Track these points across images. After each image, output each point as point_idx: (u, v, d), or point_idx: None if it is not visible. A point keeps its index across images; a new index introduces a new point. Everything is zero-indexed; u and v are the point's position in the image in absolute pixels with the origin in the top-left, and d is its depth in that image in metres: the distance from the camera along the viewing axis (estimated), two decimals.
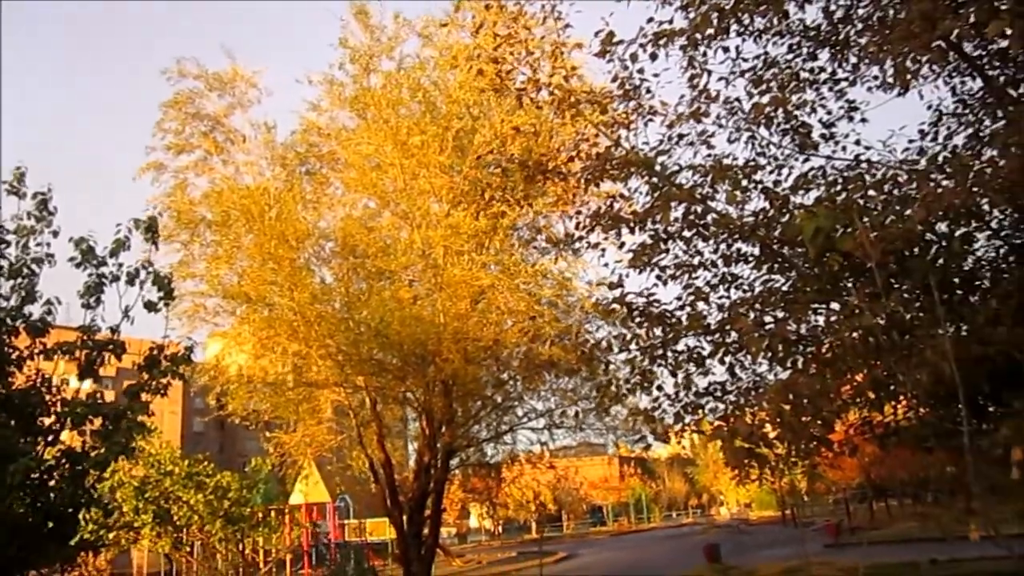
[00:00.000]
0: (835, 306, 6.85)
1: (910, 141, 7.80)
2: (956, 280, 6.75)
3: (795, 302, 7.01)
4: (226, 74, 14.22)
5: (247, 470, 23.50)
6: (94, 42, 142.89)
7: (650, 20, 7.36)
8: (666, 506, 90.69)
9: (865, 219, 5.83)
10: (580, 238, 8.55)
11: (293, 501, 27.02)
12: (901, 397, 6.96)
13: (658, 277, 7.73)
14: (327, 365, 13.85)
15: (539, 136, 9.97)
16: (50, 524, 7.87)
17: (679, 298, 7.53)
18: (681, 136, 7.81)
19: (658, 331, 7.36)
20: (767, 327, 6.75)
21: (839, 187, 7.05)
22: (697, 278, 7.78)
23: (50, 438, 7.80)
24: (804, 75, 8.11)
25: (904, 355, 5.79)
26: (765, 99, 7.63)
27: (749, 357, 7.26)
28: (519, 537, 67.66)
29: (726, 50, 7.82)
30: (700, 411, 7.66)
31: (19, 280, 8.04)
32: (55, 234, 8.29)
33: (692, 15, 7.31)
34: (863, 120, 8.22)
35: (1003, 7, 5.51)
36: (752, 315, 6.98)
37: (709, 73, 7.68)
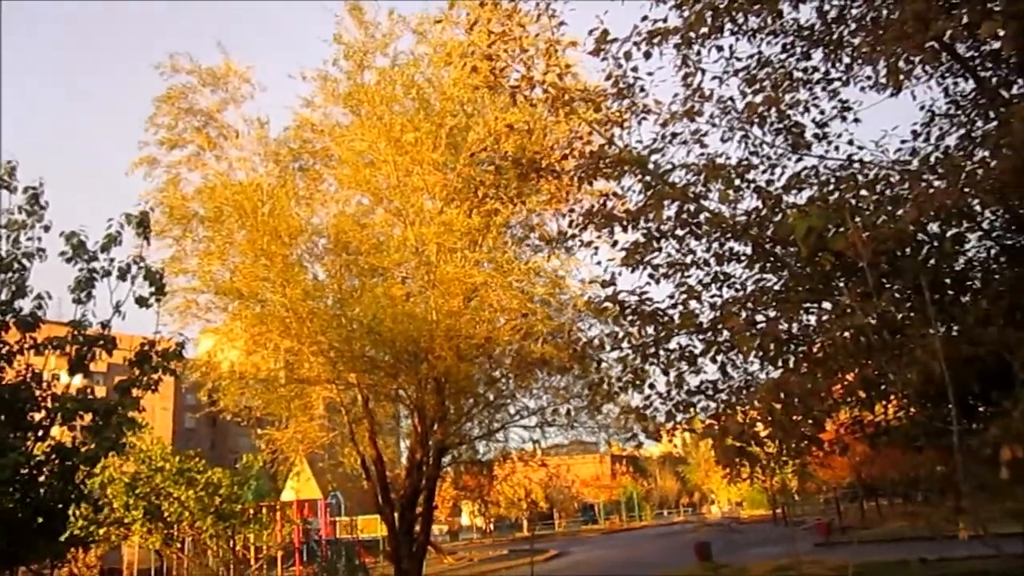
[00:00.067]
0: (827, 305, 6.87)
1: (902, 141, 7.85)
2: (947, 280, 6.78)
3: (787, 301, 7.02)
4: (219, 69, 14.17)
5: (238, 467, 23.47)
6: (94, 42, 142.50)
7: (644, 18, 7.37)
8: (657, 504, 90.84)
9: (857, 219, 5.85)
10: (573, 236, 8.56)
11: (284, 498, 27.02)
12: (892, 396, 7.00)
13: (651, 275, 7.74)
14: (319, 362, 13.82)
15: (533, 134, 9.97)
16: (40, 520, 7.84)
17: (671, 296, 7.54)
18: (674, 135, 7.83)
19: (650, 329, 7.37)
20: (759, 326, 6.76)
21: (831, 187, 7.07)
22: (689, 277, 7.80)
23: (40, 433, 7.78)
24: (797, 75, 8.14)
25: (895, 355, 5.81)
26: (758, 98, 7.65)
27: (741, 356, 7.28)
28: (511, 535, 67.67)
29: (720, 49, 7.83)
30: (692, 409, 7.68)
31: (9, 274, 8.02)
32: (46, 229, 8.27)
33: (686, 14, 7.33)
34: (856, 120, 8.26)
35: (996, 8, 5.53)
36: (744, 314, 7.00)
37: (703, 72, 7.69)
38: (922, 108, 8.19)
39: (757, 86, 7.90)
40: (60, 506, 8.04)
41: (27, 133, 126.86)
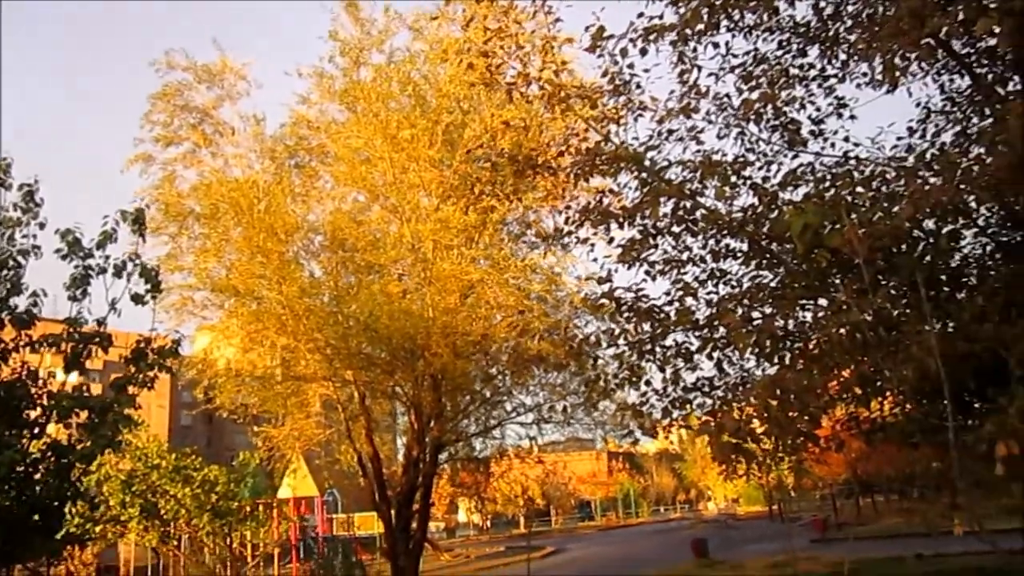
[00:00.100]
0: (823, 302, 6.88)
1: (898, 138, 7.85)
2: (943, 277, 6.79)
3: (783, 298, 7.03)
4: (215, 66, 14.14)
5: (235, 464, 23.50)
6: (94, 42, 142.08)
7: (640, 15, 7.35)
8: (654, 501, 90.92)
9: (853, 215, 5.85)
10: (569, 233, 8.56)
11: (281, 495, 27.00)
12: (887, 393, 7.01)
13: (647, 272, 7.75)
14: (316, 359, 13.82)
15: (529, 131, 9.96)
16: (36, 517, 7.85)
17: (667, 293, 7.55)
18: (671, 132, 7.83)
19: (646, 326, 7.38)
20: (755, 322, 6.77)
21: (827, 183, 7.08)
22: (686, 273, 7.81)
23: (36, 431, 7.77)
24: (794, 71, 8.14)
25: (891, 351, 5.83)
26: (755, 95, 7.64)
27: (737, 352, 7.30)
28: (507, 532, 67.70)
29: (716, 46, 7.83)
30: (688, 406, 7.69)
31: (4, 272, 7.99)
32: (42, 226, 8.25)
33: (682, 11, 7.32)
34: (852, 117, 8.26)
35: (991, 5, 5.54)
36: (740, 311, 7.01)
37: (699, 69, 7.69)
38: (918, 105, 8.21)
39: (753, 83, 7.90)
40: (56, 504, 8.04)
41: (27, 133, 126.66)
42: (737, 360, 7.68)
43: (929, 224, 6.52)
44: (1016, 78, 6.97)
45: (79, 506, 11.78)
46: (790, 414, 6.11)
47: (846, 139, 7.93)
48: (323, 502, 34.14)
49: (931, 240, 6.51)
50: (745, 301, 7.23)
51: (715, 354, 7.39)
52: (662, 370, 7.53)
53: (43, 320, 8.10)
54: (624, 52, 7.41)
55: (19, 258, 8.05)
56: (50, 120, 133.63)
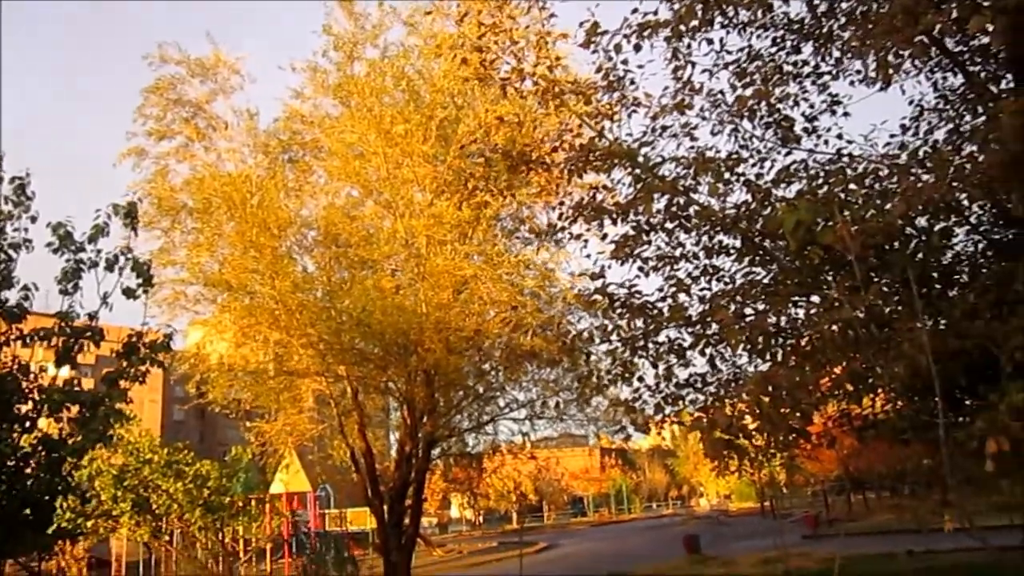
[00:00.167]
0: (815, 299, 6.91)
1: (891, 136, 7.88)
2: (935, 274, 6.81)
3: (775, 294, 7.05)
4: (208, 60, 14.06)
5: (227, 459, 23.44)
6: (94, 42, 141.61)
7: (635, 11, 7.36)
8: (646, 497, 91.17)
9: (846, 213, 5.87)
10: (563, 229, 8.56)
11: (273, 490, 26.97)
12: (879, 390, 7.03)
13: (640, 268, 7.76)
14: (308, 354, 13.79)
15: (523, 126, 9.93)
16: (27, 512, 7.82)
17: (661, 289, 7.56)
18: (664, 128, 7.83)
19: (639, 322, 7.39)
20: (748, 319, 6.78)
21: (821, 180, 7.10)
22: (679, 270, 7.82)
23: (27, 425, 7.74)
24: (787, 68, 8.16)
25: (882, 348, 5.85)
26: (748, 92, 7.66)
27: (729, 349, 7.31)
28: (500, 527, 67.84)
29: (710, 42, 7.84)
30: (680, 402, 7.71)
31: None
32: (33, 219, 8.21)
33: (676, 7, 7.32)
34: (845, 114, 8.28)
35: (985, 3, 5.55)
36: (733, 307, 7.02)
37: (693, 65, 7.70)
38: (911, 102, 8.24)
39: (747, 79, 7.92)
40: (47, 498, 8.02)
41: (27, 133, 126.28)
42: (729, 356, 7.70)
43: (921, 221, 6.54)
44: (1009, 76, 7.00)
45: (70, 501, 11.76)
46: (782, 410, 6.12)
47: (839, 136, 7.96)
48: (316, 497, 34.16)
49: (923, 237, 6.53)
50: (738, 297, 7.24)
51: (708, 350, 7.41)
52: (655, 366, 7.54)
53: (34, 314, 8.07)
54: (618, 48, 7.42)
55: (10, 251, 8.02)
56: (50, 120, 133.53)
